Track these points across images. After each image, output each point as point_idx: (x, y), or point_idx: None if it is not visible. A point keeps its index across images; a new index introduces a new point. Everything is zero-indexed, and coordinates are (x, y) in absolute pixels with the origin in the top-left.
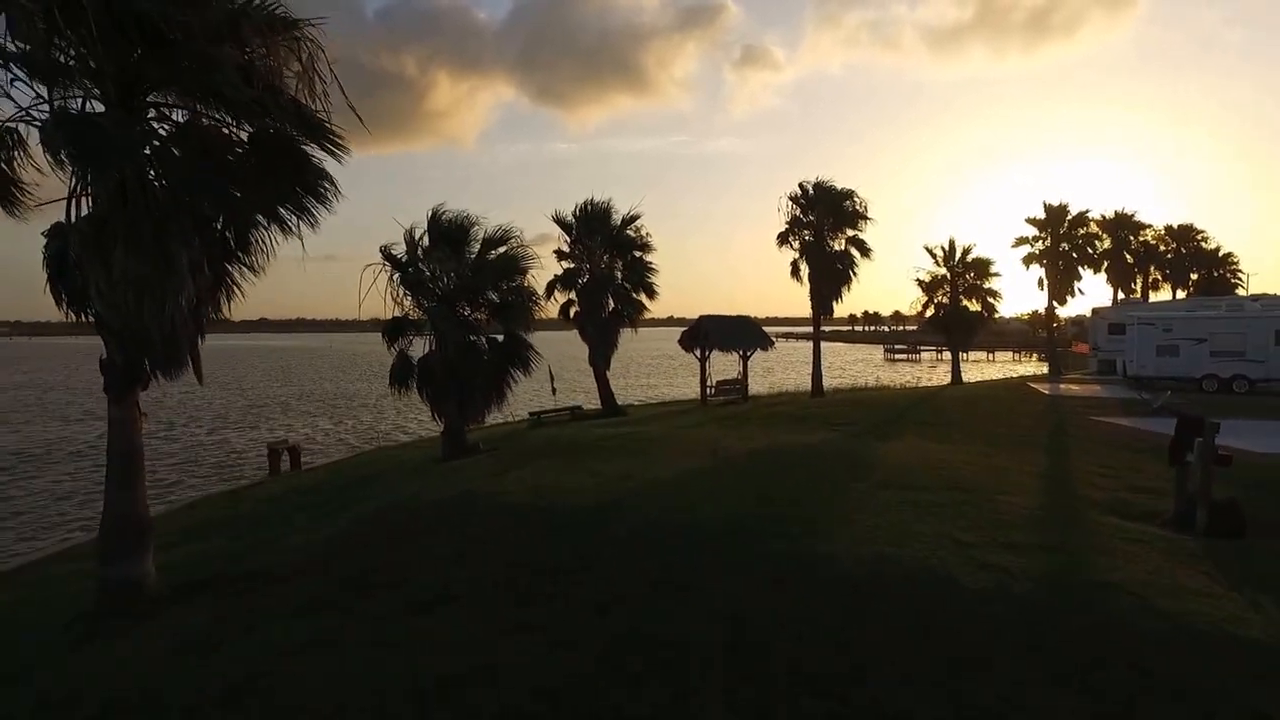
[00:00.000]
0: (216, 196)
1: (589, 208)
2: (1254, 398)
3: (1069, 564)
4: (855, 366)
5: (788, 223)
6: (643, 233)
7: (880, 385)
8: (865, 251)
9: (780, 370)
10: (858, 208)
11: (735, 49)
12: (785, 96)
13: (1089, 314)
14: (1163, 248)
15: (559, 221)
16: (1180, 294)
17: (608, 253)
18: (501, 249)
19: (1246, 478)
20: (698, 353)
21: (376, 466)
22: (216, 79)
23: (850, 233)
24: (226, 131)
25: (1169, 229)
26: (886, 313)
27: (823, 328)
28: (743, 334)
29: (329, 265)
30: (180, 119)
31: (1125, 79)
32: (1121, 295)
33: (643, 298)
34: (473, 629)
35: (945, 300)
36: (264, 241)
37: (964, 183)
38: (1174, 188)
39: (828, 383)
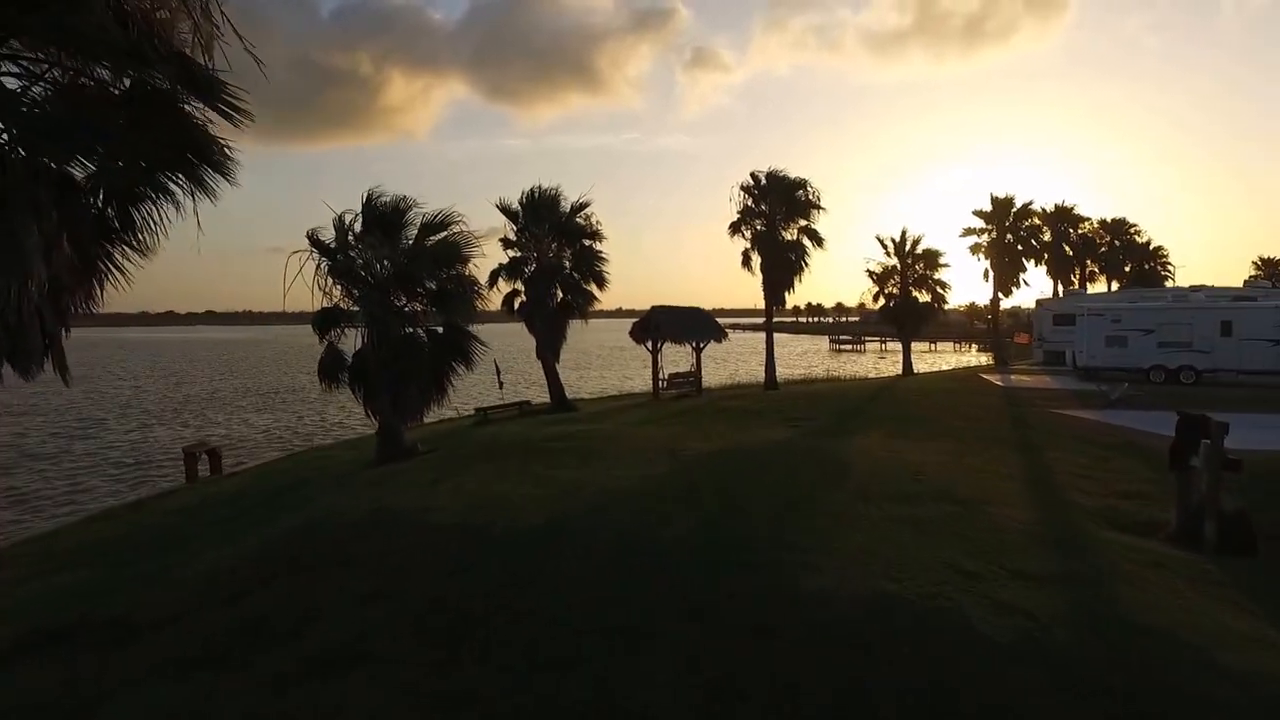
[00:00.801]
0: (87, 160)
1: (536, 195)
2: (1202, 388)
3: (1093, 601)
4: (804, 358)
5: (740, 212)
6: (592, 221)
7: (832, 376)
8: (818, 241)
9: (733, 361)
10: (810, 197)
11: (686, 51)
12: (735, 97)
13: (1033, 305)
14: (1099, 241)
15: (504, 209)
16: (1114, 285)
17: (556, 241)
18: (441, 234)
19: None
20: (649, 345)
21: (304, 471)
22: (79, 21)
23: (802, 222)
24: (94, 85)
25: (1103, 223)
26: (831, 306)
27: (772, 319)
28: (695, 325)
29: (277, 257)
30: (39, 70)
31: (1056, 82)
32: (1061, 287)
33: (593, 288)
34: (385, 702)
35: (896, 291)
36: (151, 218)
37: (905, 182)
38: (1101, 185)
39: (779, 374)
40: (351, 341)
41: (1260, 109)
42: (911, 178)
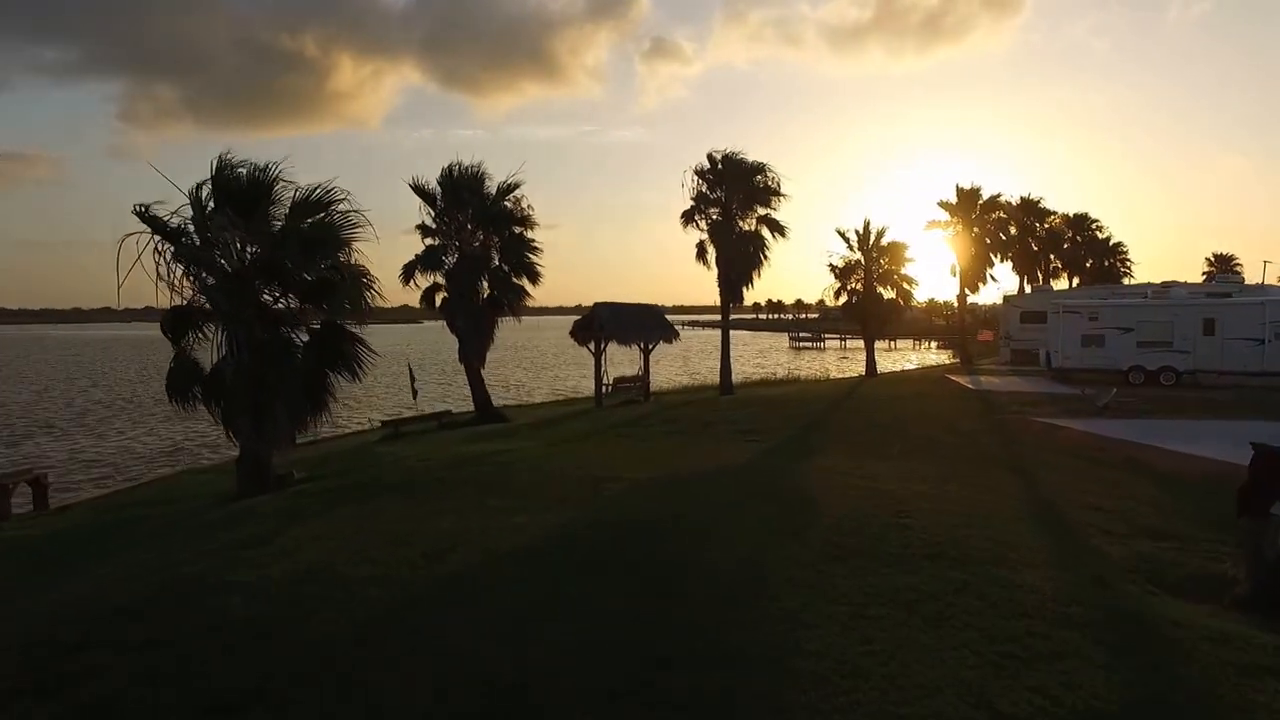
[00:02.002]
0: None
1: (456, 173)
2: (1186, 390)
3: None
4: (763, 355)
5: (693, 200)
6: (523, 205)
7: (792, 377)
8: (779, 232)
9: (692, 360)
10: (770, 183)
11: (645, 41)
12: (693, 89)
13: (998, 302)
14: (1063, 236)
15: (418, 189)
16: (1075, 282)
17: (481, 228)
18: (319, 215)
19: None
20: (591, 346)
21: (145, 508)
22: None
23: (762, 211)
24: None
25: (1065, 217)
26: (791, 302)
27: (730, 316)
28: (643, 324)
29: None
30: None
31: (1010, 81)
32: (1028, 283)
33: (524, 282)
34: None
35: (859, 287)
36: None
37: (865, 178)
38: (1052, 183)
39: (736, 373)
40: (213, 348)
41: (1205, 108)
42: (871, 173)
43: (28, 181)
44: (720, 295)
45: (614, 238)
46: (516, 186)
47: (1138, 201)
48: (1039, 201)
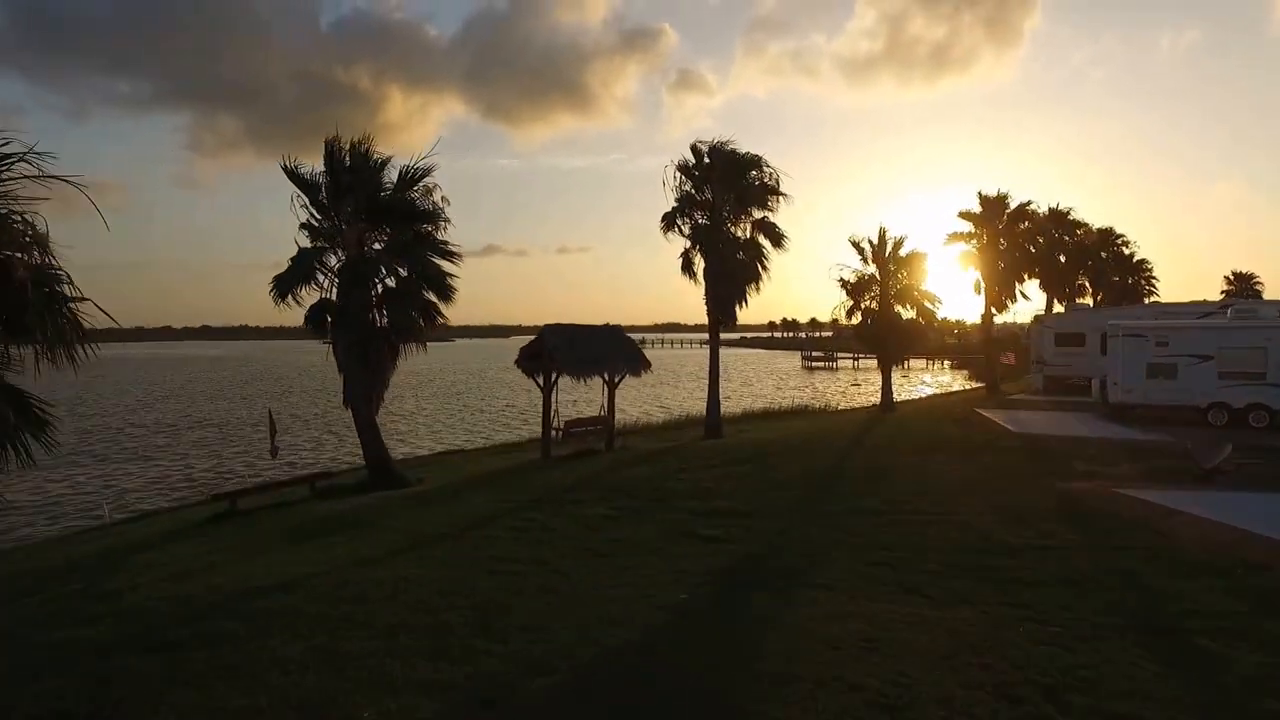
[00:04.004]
0: None
1: (338, 150)
2: None
3: None
4: (772, 377)
5: (677, 200)
6: (436, 198)
7: (797, 407)
8: (776, 240)
9: (702, 383)
10: (768, 180)
11: (672, 73)
12: (716, 118)
13: (1030, 322)
14: (1094, 250)
15: (292, 173)
16: (1097, 299)
17: (374, 227)
18: None
19: None
20: (539, 379)
21: None
22: None
23: (758, 214)
24: None
25: (1096, 231)
26: (806, 321)
27: (744, 334)
28: (604, 351)
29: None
30: None
31: (1013, 107)
32: (1057, 301)
33: (431, 298)
34: None
35: (874, 305)
36: None
37: (879, 201)
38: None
39: (741, 398)
40: None
41: (1201, 133)
42: (884, 197)
43: (102, 208)
44: (708, 313)
45: (643, 259)
46: (426, 173)
47: (1139, 225)
48: (1068, 212)
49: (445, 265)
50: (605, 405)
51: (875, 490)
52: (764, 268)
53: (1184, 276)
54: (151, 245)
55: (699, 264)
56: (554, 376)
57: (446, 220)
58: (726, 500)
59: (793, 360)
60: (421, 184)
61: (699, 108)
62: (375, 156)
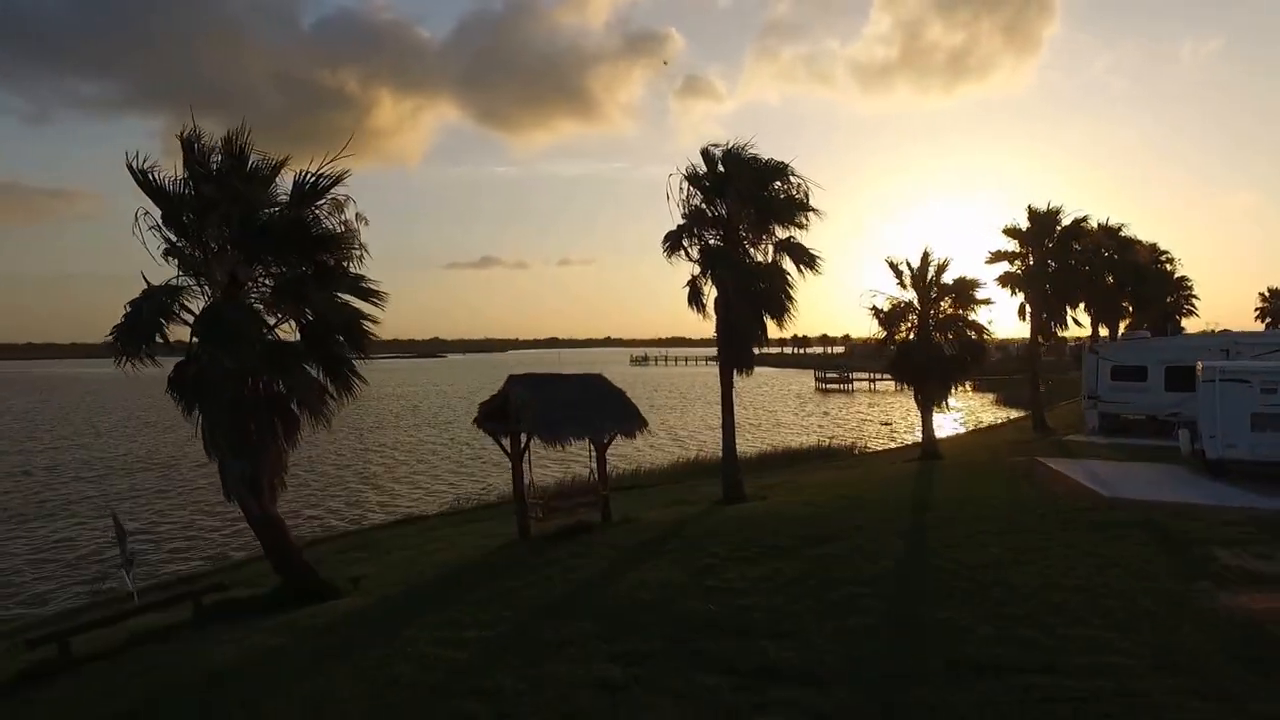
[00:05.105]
0: None
1: (204, 153)
2: None
3: None
4: (785, 402)
5: (684, 216)
6: (347, 216)
7: (821, 447)
8: (807, 262)
9: (702, 405)
10: (795, 192)
11: (678, 78)
12: (726, 126)
13: (1083, 350)
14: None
15: (142, 178)
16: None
17: (254, 258)
18: None
19: None
20: (505, 441)
21: None
22: None
23: (783, 233)
24: None
25: (1152, 247)
26: (816, 336)
27: (732, 386)
28: (586, 409)
29: None
30: None
31: (1033, 116)
32: (1104, 326)
33: (343, 349)
34: None
35: (912, 337)
36: None
37: (896, 214)
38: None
39: (755, 432)
40: None
41: (1222, 142)
42: (902, 207)
43: (70, 218)
44: (719, 356)
45: (650, 271)
46: (335, 182)
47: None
48: (1119, 229)
49: (363, 305)
50: (596, 469)
51: (982, 612)
52: (789, 299)
53: (1208, 292)
54: (127, 256)
55: (709, 292)
56: (524, 440)
57: (361, 247)
58: (776, 642)
59: (805, 380)
60: (327, 198)
61: (707, 114)
62: (258, 160)
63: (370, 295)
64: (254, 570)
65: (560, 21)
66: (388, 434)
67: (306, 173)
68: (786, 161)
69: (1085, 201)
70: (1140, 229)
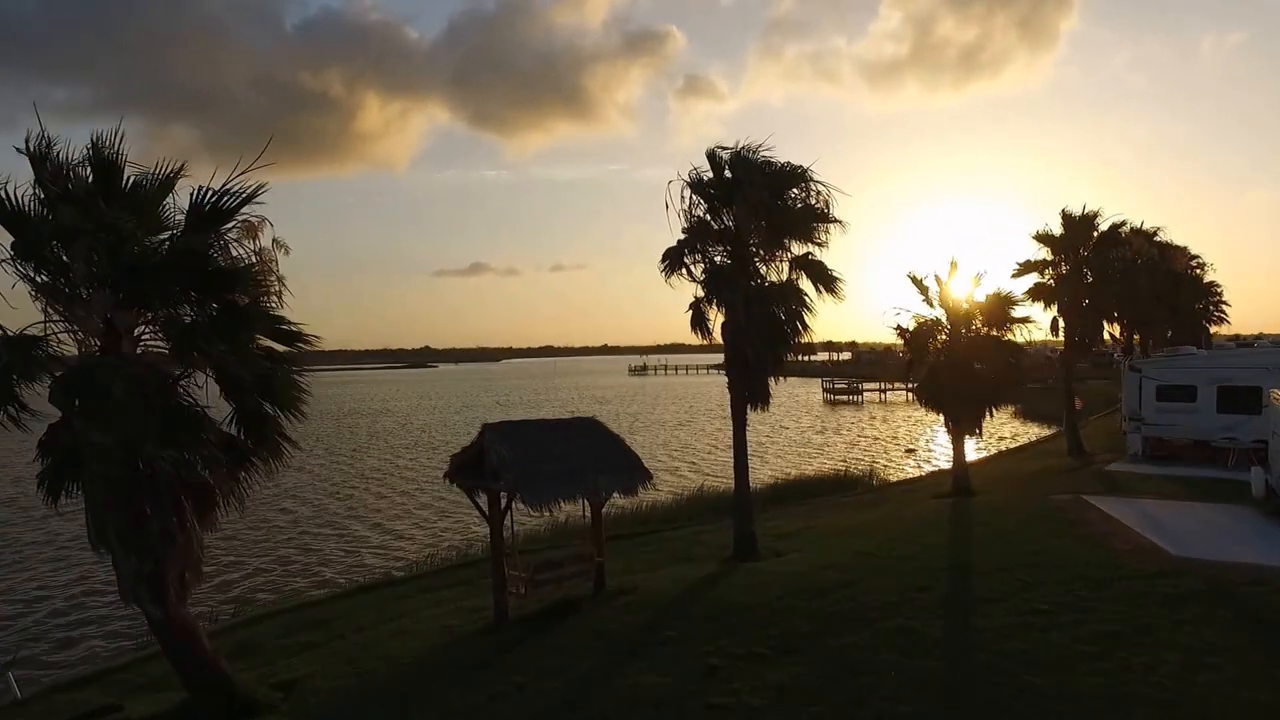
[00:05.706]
0: None
1: (61, 167)
2: None
3: None
4: (793, 417)
5: (686, 229)
6: (263, 243)
7: (838, 476)
8: (827, 284)
9: (709, 421)
10: (814, 201)
11: (679, 78)
12: (728, 126)
13: (1124, 366)
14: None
15: None
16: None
17: (137, 300)
18: None
19: None
20: (481, 499)
21: None
22: None
23: (800, 249)
24: None
25: (1187, 253)
26: (821, 342)
27: (745, 422)
28: (581, 461)
29: None
30: None
31: (1048, 115)
32: (1139, 339)
33: (269, 408)
34: None
35: (941, 359)
36: None
37: (904, 214)
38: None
39: (762, 452)
40: None
41: (1242, 140)
42: (910, 209)
43: None
44: (730, 389)
45: (646, 276)
46: (247, 200)
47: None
48: (1155, 233)
49: (287, 351)
50: (591, 532)
51: None
52: (805, 325)
53: (1235, 297)
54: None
55: (715, 317)
56: (504, 500)
57: (279, 281)
58: None
59: (811, 389)
60: (236, 220)
61: (709, 114)
62: (142, 175)
63: (294, 340)
64: (162, 668)
65: (556, 21)
66: (368, 459)
67: (206, 189)
68: (805, 165)
69: (1105, 202)
70: (1164, 230)
